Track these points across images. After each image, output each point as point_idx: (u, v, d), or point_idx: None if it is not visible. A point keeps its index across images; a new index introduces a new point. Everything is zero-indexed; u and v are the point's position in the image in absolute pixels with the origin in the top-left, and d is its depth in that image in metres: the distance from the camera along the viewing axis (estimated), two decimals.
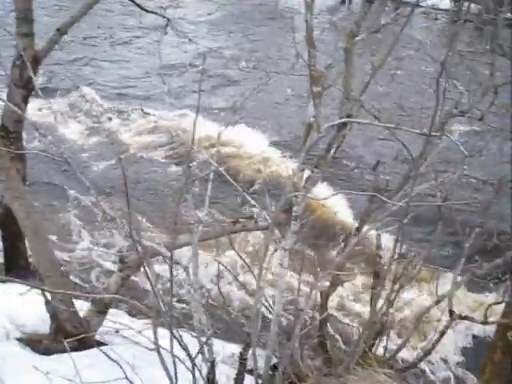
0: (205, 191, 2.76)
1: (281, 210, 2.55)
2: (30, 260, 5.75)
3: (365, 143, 8.56)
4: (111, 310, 4.50)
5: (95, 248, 6.71)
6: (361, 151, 8.98)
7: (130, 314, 5.13)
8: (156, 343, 2.47)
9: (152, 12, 5.65)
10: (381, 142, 8.89)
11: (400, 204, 2.92)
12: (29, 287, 3.22)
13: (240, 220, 3.82)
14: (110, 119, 10.82)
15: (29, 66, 4.56)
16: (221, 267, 3.23)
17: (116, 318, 4.66)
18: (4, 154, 3.47)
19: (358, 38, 2.84)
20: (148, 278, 2.29)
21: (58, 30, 4.78)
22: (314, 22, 2.67)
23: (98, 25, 15.64)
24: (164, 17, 5.76)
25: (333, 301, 5.22)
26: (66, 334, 4.32)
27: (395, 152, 8.62)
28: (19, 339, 4.50)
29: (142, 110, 10.75)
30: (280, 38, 16.57)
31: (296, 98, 11.31)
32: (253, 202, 2.76)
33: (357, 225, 4.01)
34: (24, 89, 4.71)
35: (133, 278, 4.70)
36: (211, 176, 2.64)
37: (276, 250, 2.75)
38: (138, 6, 5.50)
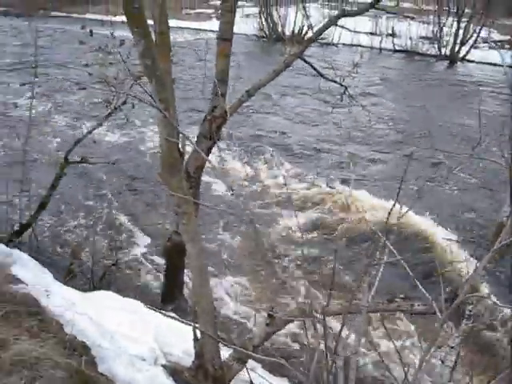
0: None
1: (455, 307, 2.43)
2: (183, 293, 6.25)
3: None
4: None
5: (247, 298, 6.93)
6: None
7: (264, 367, 5.20)
8: None
9: (331, 80, 5.93)
10: None
11: None
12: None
13: (396, 300, 3.72)
14: (283, 183, 10.86)
15: (218, 121, 5.12)
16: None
17: (250, 367, 4.76)
18: (189, 201, 3.84)
19: None
20: (317, 345, 2.33)
21: (247, 91, 5.26)
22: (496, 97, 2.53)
23: (275, 86, 16.38)
24: (342, 85, 6.03)
25: None
26: (206, 374, 4.53)
27: None
28: (164, 366, 4.81)
29: (331, 186, 10.70)
30: (457, 110, 15.81)
31: (479, 188, 10.62)
32: (422, 289, 2.67)
33: None
34: (210, 140, 5.24)
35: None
36: (385, 258, 2.64)
37: (440, 347, 2.61)
38: (320, 74, 5.82)
